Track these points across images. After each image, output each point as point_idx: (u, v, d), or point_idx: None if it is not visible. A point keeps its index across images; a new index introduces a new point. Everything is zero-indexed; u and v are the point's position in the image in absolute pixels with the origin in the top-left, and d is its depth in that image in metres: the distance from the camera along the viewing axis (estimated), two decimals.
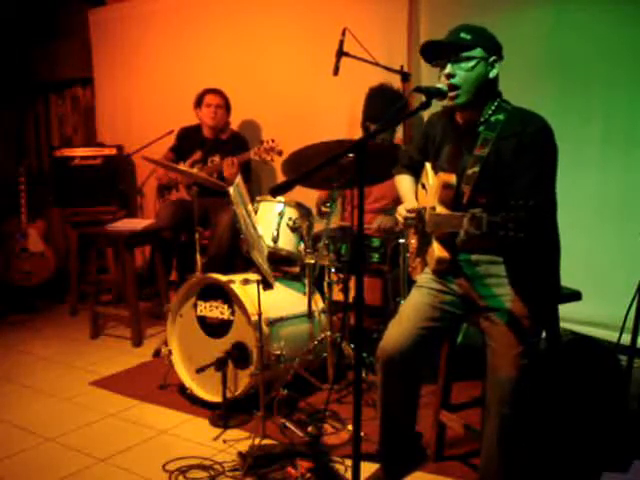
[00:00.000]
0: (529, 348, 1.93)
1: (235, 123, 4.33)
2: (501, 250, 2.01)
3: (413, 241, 2.30)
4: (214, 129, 4.17)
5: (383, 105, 3.44)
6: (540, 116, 1.97)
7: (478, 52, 1.96)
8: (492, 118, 2.00)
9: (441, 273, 2.11)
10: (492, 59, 1.98)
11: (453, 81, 1.96)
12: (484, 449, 2.03)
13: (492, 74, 1.99)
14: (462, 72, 1.96)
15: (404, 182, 2.33)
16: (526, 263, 1.98)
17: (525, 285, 1.99)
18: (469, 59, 1.95)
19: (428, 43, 2.03)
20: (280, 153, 3.67)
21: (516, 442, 1.96)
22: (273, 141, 3.72)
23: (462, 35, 1.97)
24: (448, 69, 1.97)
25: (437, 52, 2.01)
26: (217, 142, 4.18)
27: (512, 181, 1.92)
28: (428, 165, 2.16)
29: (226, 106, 4.18)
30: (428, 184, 2.15)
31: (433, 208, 2.05)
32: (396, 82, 3.59)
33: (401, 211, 2.19)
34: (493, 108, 2.01)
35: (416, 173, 2.29)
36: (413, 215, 2.14)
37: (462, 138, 2.06)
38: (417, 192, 2.27)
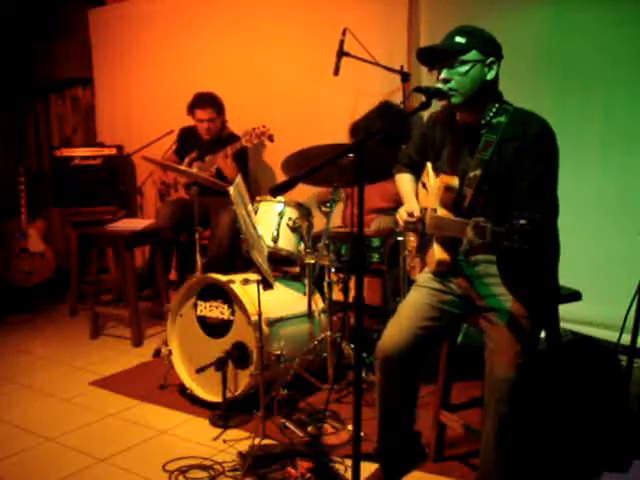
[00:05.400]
0: (527, 348, 1.92)
1: (235, 123, 4.31)
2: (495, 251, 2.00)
3: (412, 239, 2.29)
4: (211, 136, 4.18)
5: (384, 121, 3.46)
6: (542, 118, 1.96)
7: (473, 55, 1.94)
8: (494, 120, 1.98)
9: (441, 274, 2.11)
10: (489, 60, 1.95)
11: (449, 85, 1.96)
12: (482, 449, 2.02)
13: (490, 76, 1.96)
14: (457, 76, 1.94)
15: (404, 181, 2.32)
16: (521, 263, 1.96)
17: (521, 285, 1.98)
18: (464, 63, 1.94)
19: (423, 49, 2.03)
20: (271, 138, 3.66)
21: (514, 442, 1.96)
22: (264, 126, 3.70)
23: (456, 39, 1.95)
24: (444, 74, 1.96)
25: (433, 57, 2.00)
26: (216, 141, 4.18)
27: (514, 184, 1.91)
28: (429, 165, 2.16)
29: (218, 113, 4.14)
30: (429, 184, 2.14)
31: (434, 210, 2.04)
32: (396, 82, 3.59)
33: (402, 214, 2.16)
34: (494, 110, 1.99)
35: (416, 172, 2.29)
36: (414, 220, 2.12)
37: (463, 140, 2.05)
38: (417, 191, 2.27)
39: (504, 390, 1.91)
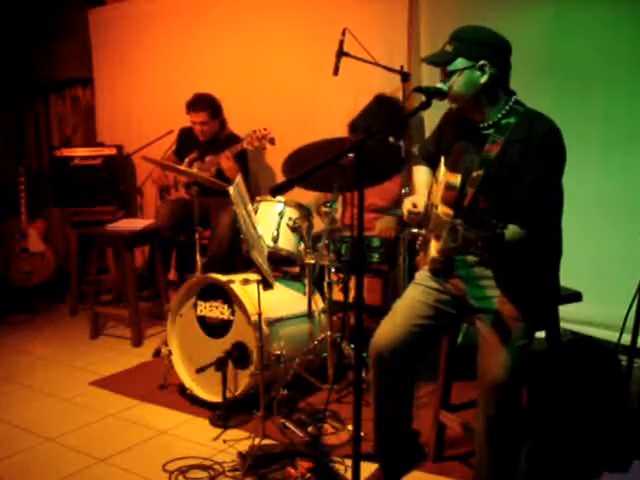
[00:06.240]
0: (517, 350, 1.91)
1: (235, 123, 4.32)
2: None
3: (424, 231, 2.27)
4: (206, 138, 4.18)
5: (381, 116, 3.46)
6: (550, 120, 1.93)
7: (459, 63, 1.92)
8: (503, 121, 1.96)
9: (436, 272, 2.10)
10: (480, 64, 1.91)
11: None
12: (476, 450, 2.02)
13: (483, 79, 1.92)
14: (449, 86, 1.95)
15: (419, 173, 2.30)
16: (515, 265, 1.95)
17: (515, 287, 1.97)
18: (452, 73, 1.94)
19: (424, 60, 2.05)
20: (272, 141, 3.67)
21: (506, 442, 1.94)
22: (265, 129, 3.71)
23: (446, 47, 1.95)
24: (439, 85, 1.97)
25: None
26: (214, 141, 4.18)
27: (515, 185, 1.89)
28: (443, 160, 2.14)
29: (212, 115, 4.12)
30: (439, 180, 2.13)
31: (436, 207, 2.04)
32: (396, 82, 3.59)
33: (407, 204, 2.13)
34: (504, 112, 1.96)
35: (433, 165, 2.25)
36: (416, 211, 2.10)
37: (470, 139, 2.04)
38: (432, 185, 2.23)
39: (492, 392, 1.90)
